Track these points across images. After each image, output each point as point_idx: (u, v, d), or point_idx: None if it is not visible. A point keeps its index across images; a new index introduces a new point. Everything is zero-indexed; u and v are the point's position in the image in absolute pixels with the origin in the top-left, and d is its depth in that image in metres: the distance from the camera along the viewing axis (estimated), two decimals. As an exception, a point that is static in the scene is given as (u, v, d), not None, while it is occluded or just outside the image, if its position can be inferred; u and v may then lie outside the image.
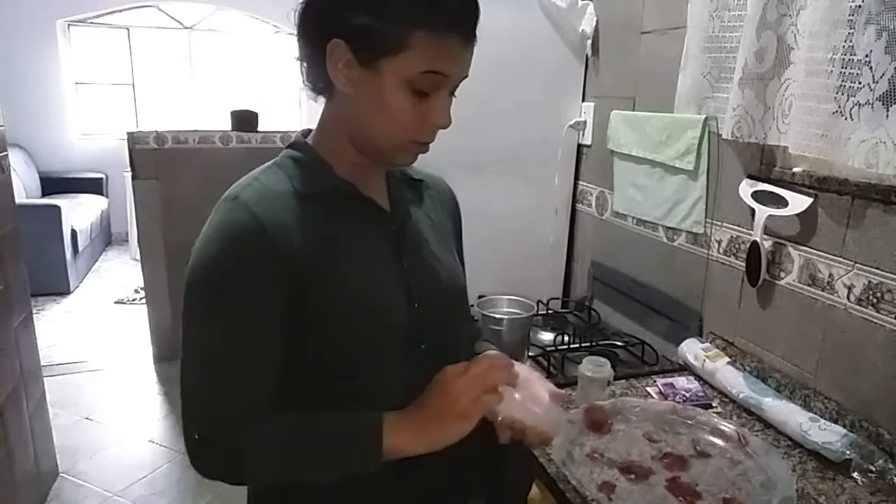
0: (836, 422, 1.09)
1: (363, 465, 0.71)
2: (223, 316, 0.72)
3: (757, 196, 1.24)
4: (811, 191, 1.14)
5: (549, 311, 1.82)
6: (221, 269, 0.71)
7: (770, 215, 1.20)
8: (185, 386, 0.73)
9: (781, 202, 1.19)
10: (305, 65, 0.79)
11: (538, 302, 1.80)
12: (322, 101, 0.81)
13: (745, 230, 1.31)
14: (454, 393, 0.72)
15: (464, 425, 0.71)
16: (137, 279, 3.91)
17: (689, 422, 1.10)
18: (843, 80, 1.01)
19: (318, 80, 0.78)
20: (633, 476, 0.96)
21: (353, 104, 0.75)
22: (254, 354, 0.73)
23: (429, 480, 0.82)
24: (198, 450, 0.73)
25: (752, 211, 1.25)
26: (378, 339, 0.78)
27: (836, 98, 1.02)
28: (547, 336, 1.63)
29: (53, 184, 5.17)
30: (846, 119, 1.01)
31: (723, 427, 1.07)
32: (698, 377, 1.33)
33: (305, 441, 0.72)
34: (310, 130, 0.85)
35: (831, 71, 1.03)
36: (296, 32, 0.78)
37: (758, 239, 1.22)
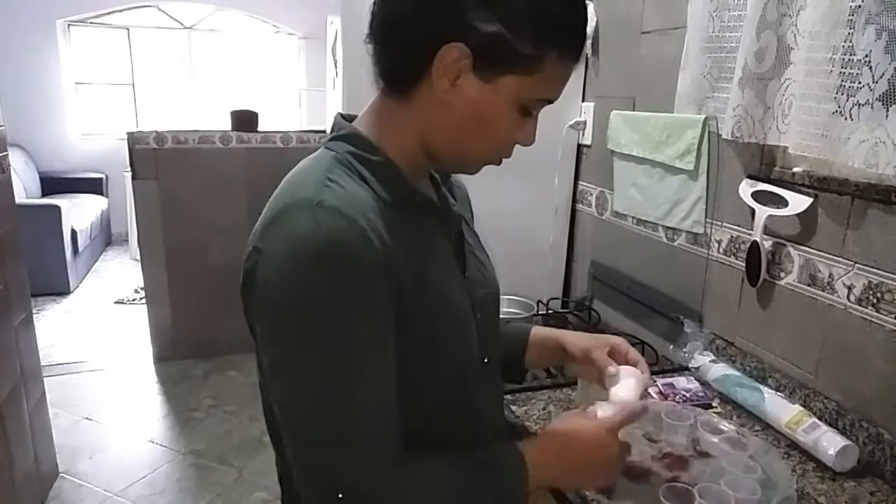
0: (836, 422, 1.09)
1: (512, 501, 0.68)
2: (348, 346, 0.60)
3: (757, 196, 1.24)
4: (811, 191, 1.14)
5: (549, 311, 1.82)
6: (334, 286, 0.59)
7: (770, 215, 1.20)
8: (311, 433, 0.60)
9: (781, 202, 1.19)
10: (386, 55, 0.69)
11: (538, 302, 1.80)
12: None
13: (745, 230, 1.31)
14: (602, 460, 0.74)
15: (597, 485, 0.79)
16: (137, 279, 3.92)
17: (690, 422, 1.10)
18: (843, 80, 1.01)
19: (402, 77, 0.68)
20: (633, 476, 0.96)
21: (448, 112, 0.67)
22: (389, 388, 0.62)
23: None
24: None
25: (752, 211, 1.25)
26: (462, 358, 0.75)
27: (836, 98, 1.02)
28: (547, 336, 1.63)
29: (53, 184, 5.17)
30: (846, 119, 1.01)
31: (723, 427, 1.07)
32: (698, 377, 1.33)
33: (460, 487, 0.64)
34: (349, 117, 0.75)
35: (831, 71, 1.03)
36: (380, 14, 0.67)
37: (758, 239, 1.22)
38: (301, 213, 0.61)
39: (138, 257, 3.39)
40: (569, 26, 0.66)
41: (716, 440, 1.03)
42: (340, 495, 0.58)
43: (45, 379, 2.33)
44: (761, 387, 1.20)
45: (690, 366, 1.36)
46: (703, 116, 1.37)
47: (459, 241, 0.80)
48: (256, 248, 0.64)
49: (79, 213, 4.63)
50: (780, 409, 1.13)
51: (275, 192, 0.70)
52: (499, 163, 0.74)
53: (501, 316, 1.50)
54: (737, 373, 1.27)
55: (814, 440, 1.04)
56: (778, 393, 1.19)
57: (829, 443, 1.01)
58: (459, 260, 0.79)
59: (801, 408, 1.11)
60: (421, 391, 0.66)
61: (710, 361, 1.32)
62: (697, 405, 1.22)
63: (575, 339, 0.93)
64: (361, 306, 0.61)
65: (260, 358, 0.70)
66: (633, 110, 1.65)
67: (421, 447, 0.65)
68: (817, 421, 1.07)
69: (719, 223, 1.39)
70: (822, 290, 1.13)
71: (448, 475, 0.65)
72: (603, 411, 0.78)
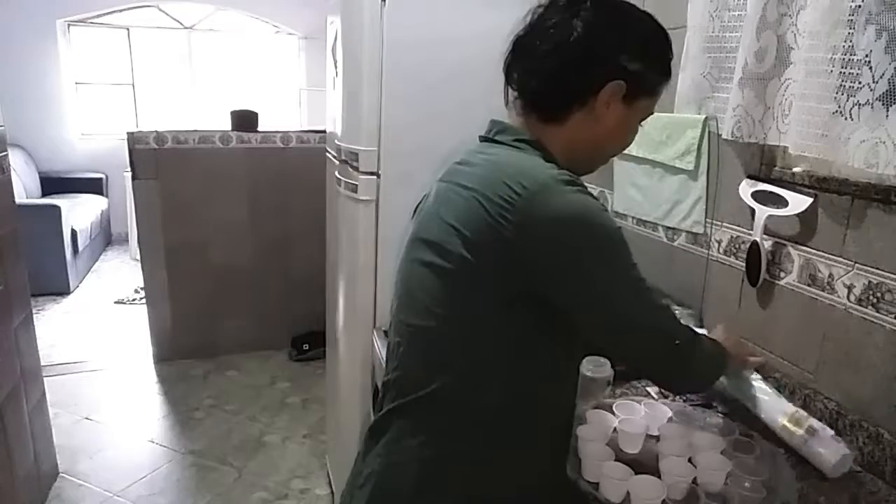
0: (836, 422, 1.09)
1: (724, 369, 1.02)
2: (635, 264, 0.85)
3: (757, 196, 1.24)
4: (811, 191, 1.14)
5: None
6: (616, 230, 0.82)
7: (770, 215, 1.20)
8: (650, 307, 0.85)
9: (781, 202, 1.19)
10: (552, 94, 0.87)
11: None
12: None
13: (745, 230, 1.31)
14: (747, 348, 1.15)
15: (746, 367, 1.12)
16: (137, 279, 3.92)
17: (697, 423, 1.10)
18: (843, 80, 1.01)
19: (562, 107, 0.87)
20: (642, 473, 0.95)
21: (597, 127, 0.88)
22: None
23: None
24: (679, 358, 0.87)
25: (752, 211, 1.25)
26: None
27: (836, 98, 1.02)
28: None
29: (53, 184, 5.17)
30: (846, 119, 1.01)
31: (728, 428, 1.08)
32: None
33: (713, 347, 0.98)
34: (506, 126, 0.92)
35: (831, 71, 1.03)
36: (550, 63, 0.85)
37: (758, 239, 1.22)
38: (567, 189, 0.79)
39: (138, 257, 3.39)
40: (670, 58, 0.91)
41: (721, 441, 1.03)
42: (678, 342, 0.86)
43: (45, 379, 2.33)
44: (757, 391, 1.18)
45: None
46: (703, 116, 1.37)
47: None
48: (534, 193, 0.78)
49: (79, 213, 4.64)
50: (777, 414, 1.10)
51: (502, 166, 0.84)
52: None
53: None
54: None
55: (809, 448, 1.02)
56: (777, 395, 1.17)
57: (826, 451, 1.00)
58: None
59: (798, 411, 1.09)
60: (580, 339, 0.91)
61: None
62: (698, 405, 1.22)
63: None
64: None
65: (461, 290, 0.85)
66: (633, 110, 1.64)
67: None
68: (813, 426, 1.04)
69: (719, 223, 1.39)
70: (822, 290, 1.13)
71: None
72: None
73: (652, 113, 0.93)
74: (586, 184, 0.84)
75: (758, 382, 1.15)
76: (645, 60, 0.85)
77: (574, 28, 0.83)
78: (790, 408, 1.09)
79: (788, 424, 1.07)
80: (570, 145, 0.89)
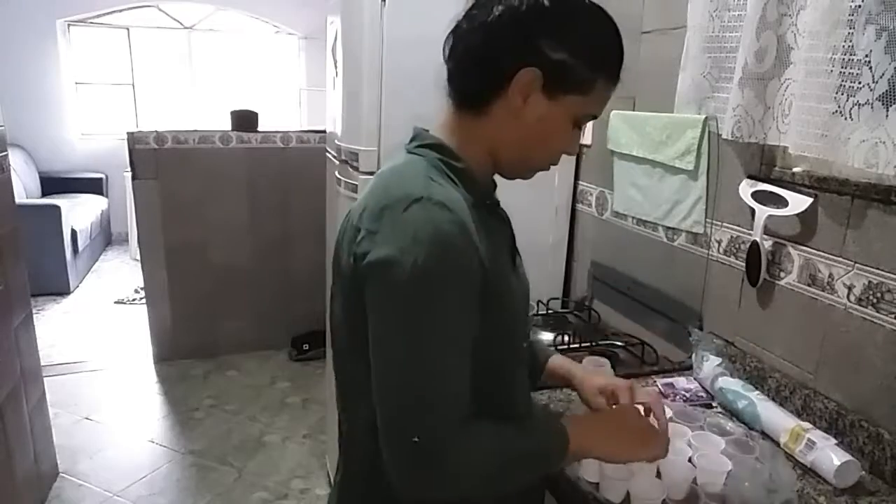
0: (836, 422, 1.09)
1: (553, 467, 0.83)
2: (443, 319, 0.70)
3: (757, 196, 1.24)
4: (811, 191, 1.14)
5: (549, 311, 1.82)
6: (438, 272, 0.69)
7: (770, 215, 1.20)
8: (401, 390, 0.70)
9: (781, 202, 1.19)
10: (468, 77, 0.80)
11: (538, 302, 1.80)
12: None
13: (745, 230, 1.31)
14: (646, 438, 0.85)
15: (638, 459, 0.86)
16: (137, 279, 3.92)
17: (697, 423, 1.10)
18: (843, 80, 1.01)
19: (481, 96, 0.79)
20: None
21: (518, 125, 0.79)
22: (467, 359, 0.73)
23: None
24: (413, 459, 0.69)
25: (752, 211, 1.25)
26: (515, 341, 0.86)
27: (836, 98, 1.02)
28: (547, 336, 1.63)
29: (53, 184, 5.17)
30: (846, 119, 1.01)
31: (729, 428, 1.07)
32: (701, 381, 1.32)
33: (508, 450, 0.75)
34: (425, 131, 0.85)
35: (831, 71, 1.03)
36: (463, 44, 0.79)
37: (758, 239, 1.22)
38: (414, 206, 0.70)
39: (138, 257, 3.39)
40: (615, 57, 0.80)
41: (722, 441, 1.04)
42: (416, 439, 0.68)
43: (45, 379, 2.33)
44: (757, 405, 1.16)
45: (698, 377, 1.34)
46: (703, 116, 1.37)
47: (512, 241, 0.91)
48: (370, 231, 0.72)
49: (79, 213, 4.63)
50: (778, 433, 1.10)
51: (375, 187, 0.79)
52: (548, 169, 0.87)
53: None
54: (738, 388, 1.22)
55: (811, 461, 1.02)
56: (778, 406, 1.16)
57: (826, 463, 0.99)
58: (513, 259, 0.89)
59: (798, 424, 1.08)
60: (478, 368, 0.74)
61: (718, 375, 1.27)
62: (698, 405, 1.22)
63: (583, 382, 1.01)
64: (460, 286, 0.71)
65: (345, 326, 0.80)
66: (633, 110, 1.65)
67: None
68: (812, 438, 1.04)
69: (719, 223, 1.39)
70: (822, 290, 1.13)
71: (499, 437, 0.75)
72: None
73: (595, 117, 0.84)
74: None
75: (759, 400, 1.15)
76: (572, 51, 0.75)
77: (497, 6, 0.76)
78: (790, 423, 1.09)
79: (789, 442, 1.07)
80: (494, 144, 0.82)
